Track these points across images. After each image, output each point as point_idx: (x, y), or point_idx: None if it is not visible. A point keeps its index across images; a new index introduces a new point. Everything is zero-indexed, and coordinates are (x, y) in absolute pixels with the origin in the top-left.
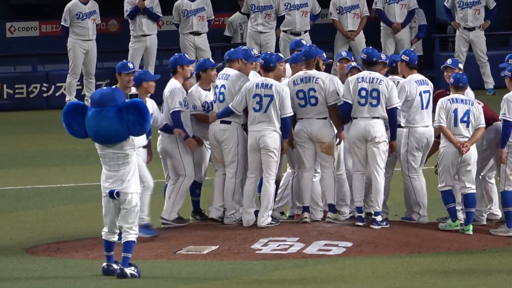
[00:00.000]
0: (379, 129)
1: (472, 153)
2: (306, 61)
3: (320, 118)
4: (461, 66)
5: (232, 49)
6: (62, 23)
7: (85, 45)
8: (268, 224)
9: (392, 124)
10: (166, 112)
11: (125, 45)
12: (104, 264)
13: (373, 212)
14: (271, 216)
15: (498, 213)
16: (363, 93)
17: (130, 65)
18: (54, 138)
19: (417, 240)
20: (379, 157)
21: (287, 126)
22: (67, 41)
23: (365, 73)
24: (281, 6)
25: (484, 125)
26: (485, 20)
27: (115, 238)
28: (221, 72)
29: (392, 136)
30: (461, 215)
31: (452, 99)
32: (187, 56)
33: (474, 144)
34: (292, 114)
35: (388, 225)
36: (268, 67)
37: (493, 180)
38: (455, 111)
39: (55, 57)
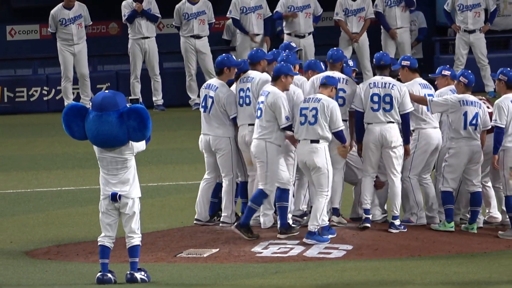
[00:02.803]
0: (394, 133)
1: (479, 152)
2: (332, 64)
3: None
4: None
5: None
6: (48, 29)
7: (71, 48)
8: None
9: (405, 128)
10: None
11: (126, 48)
12: (99, 274)
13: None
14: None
15: (498, 215)
16: (376, 98)
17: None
18: (55, 142)
19: (417, 243)
20: (395, 161)
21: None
22: (57, 46)
23: (377, 78)
24: (267, 7)
25: (490, 127)
26: (485, 23)
27: (111, 244)
28: (244, 75)
29: (406, 140)
30: (443, 217)
31: (463, 100)
32: (233, 57)
33: (479, 143)
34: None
35: (406, 229)
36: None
37: (489, 184)
38: (465, 114)
39: (56, 60)
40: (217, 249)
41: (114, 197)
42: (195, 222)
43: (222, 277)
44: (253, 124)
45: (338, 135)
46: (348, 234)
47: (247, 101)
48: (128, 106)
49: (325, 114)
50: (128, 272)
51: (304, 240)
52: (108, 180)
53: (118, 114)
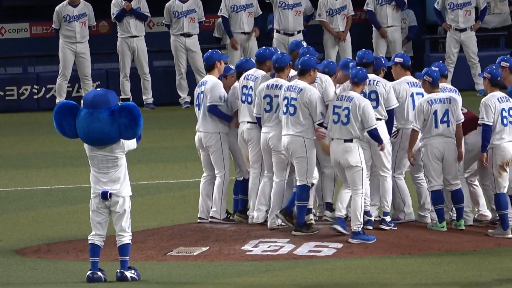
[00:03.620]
0: (382, 131)
1: (452, 150)
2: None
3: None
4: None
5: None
6: (52, 25)
7: (74, 47)
8: (278, 225)
9: (389, 124)
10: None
11: (116, 46)
12: (89, 272)
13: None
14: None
15: (488, 213)
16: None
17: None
18: (45, 140)
19: (407, 241)
20: (385, 159)
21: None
22: (59, 43)
23: None
24: (258, 5)
25: (462, 120)
26: (476, 21)
27: (101, 242)
28: (249, 73)
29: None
30: (434, 215)
31: (431, 100)
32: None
33: (454, 141)
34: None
35: (396, 227)
36: (280, 67)
37: (477, 183)
38: (435, 112)
39: (46, 59)
40: (207, 247)
41: (105, 196)
42: (198, 221)
43: (212, 275)
44: (252, 122)
45: (373, 134)
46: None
47: (249, 99)
48: (119, 104)
49: (357, 114)
50: (118, 271)
51: (350, 240)
52: (98, 179)
53: (110, 111)
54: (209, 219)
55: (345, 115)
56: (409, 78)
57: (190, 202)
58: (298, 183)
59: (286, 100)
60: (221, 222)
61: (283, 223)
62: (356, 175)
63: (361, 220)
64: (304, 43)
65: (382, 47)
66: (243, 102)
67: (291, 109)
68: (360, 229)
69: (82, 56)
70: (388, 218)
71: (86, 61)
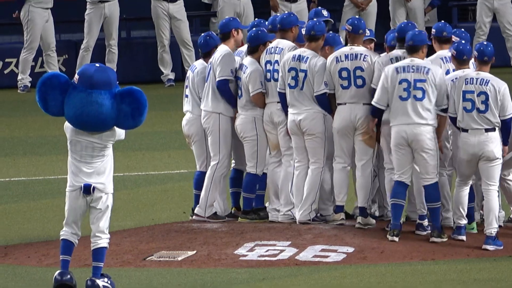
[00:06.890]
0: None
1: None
2: (352, 35)
3: (366, 103)
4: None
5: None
6: None
7: (46, 14)
8: (309, 220)
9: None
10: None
11: (84, 14)
12: (57, 272)
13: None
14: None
15: None
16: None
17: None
18: (2, 124)
19: (430, 245)
20: None
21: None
22: (21, 10)
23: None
24: None
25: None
26: None
27: (75, 240)
28: (272, 45)
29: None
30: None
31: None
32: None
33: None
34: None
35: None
36: (315, 36)
37: (511, 177)
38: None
39: (3, 28)
40: (194, 252)
41: (88, 190)
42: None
43: (199, 284)
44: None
45: (507, 124)
46: (349, 234)
47: (275, 76)
48: (122, 87)
49: (497, 99)
50: (89, 279)
51: (485, 247)
52: (80, 169)
53: (112, 95)
54: (193, 216)
55: (481, 102)
56: (445, 52)
57: (174, 197)
58: (426, 182)
59: (405, 83)
60: (209, 221)
61: (316, 219)
62: (495, 169)
63: (497, 222)
64: (325, 12)
65: (400, 16)
66: (269, 80)
67: (417, 93)
68: (495, 233)
69: (50, 24)
70: (425, 222)
71: (52, 29)
